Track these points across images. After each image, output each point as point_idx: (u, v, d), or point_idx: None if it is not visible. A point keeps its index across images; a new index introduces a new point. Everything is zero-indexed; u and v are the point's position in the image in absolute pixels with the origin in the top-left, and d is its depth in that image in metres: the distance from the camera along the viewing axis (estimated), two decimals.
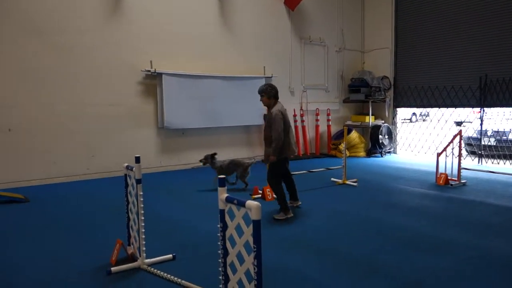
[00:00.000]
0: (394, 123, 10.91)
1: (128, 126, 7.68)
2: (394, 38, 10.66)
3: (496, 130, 9.36)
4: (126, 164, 3.67)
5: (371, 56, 11.27)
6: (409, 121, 21.38)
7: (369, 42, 11.29)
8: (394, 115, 10.94)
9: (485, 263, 3.62)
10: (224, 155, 8.72)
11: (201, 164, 6.77)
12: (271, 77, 9.35)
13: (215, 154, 6.59)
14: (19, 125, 6.64)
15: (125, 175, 3.71)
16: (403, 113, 11.14)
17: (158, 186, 6.71)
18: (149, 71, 7.68)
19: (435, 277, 3.35)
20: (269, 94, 5.06)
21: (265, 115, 5.38)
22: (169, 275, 3.33)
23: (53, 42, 6.85)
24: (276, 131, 4.88)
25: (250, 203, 2.10)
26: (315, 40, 10.33)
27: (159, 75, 7.79)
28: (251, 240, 2.19)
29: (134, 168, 3.45)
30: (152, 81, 7.86)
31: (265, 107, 5.34)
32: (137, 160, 3.42)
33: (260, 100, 5.20)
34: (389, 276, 3.36)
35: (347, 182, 6.87)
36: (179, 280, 3.24)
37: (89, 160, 7.31)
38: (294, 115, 9.84)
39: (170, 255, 3.73)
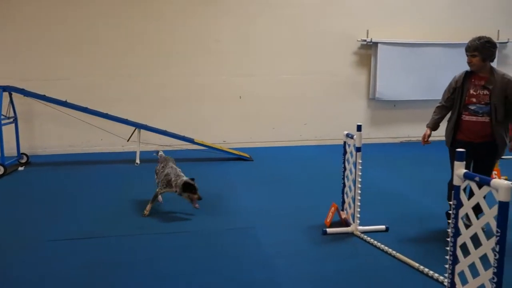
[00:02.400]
0: None
1: (340, 96, 7.83)
2: None
3: None
4: (346, 132, 3.76)
5: None
6: None
7: None
8: None
9: None
10: (439, 131, 8.04)
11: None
12: (507, 42, 7.97)
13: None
14: (248, 94, 7.56)
15: (344, 142, 3.82)
16: None
17: (368, 157, 6.68)
18: (365, 40, 7.58)
19: None
20: (486, 53, 3.35)
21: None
22: (382, 245, 3.32)
23: (281, 15, 7.43)
24: None
25: (497, 182, 1.87)
26: None
27: (375, 44, 7.59)
28: (492, 223, 1.96)
29: (354, 136, 3.50)
30: (367, 51, 7.73)
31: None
32: (359, 128, 3.46)
33: (470, 60, 3.41)
34: None
35: None
36: (393, 251, 3.19)
37: (302, 128, 7.81)
38: None
39: (383, 226, 3.70)
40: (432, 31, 7.80)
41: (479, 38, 3.36)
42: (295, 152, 7.25)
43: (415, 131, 8.00)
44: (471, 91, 3.41)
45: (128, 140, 6.66)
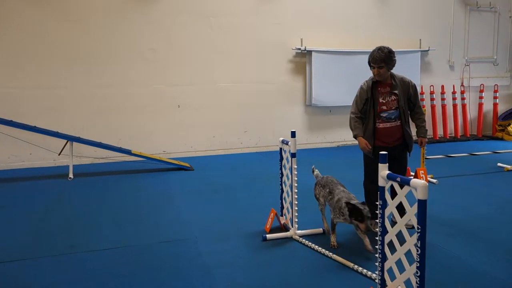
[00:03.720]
0: None
1: (278, 103, 7.99)
2: None
3: None
4: (281, 138, 3.83)
5: None
6: None
7: None
8: None
9: None
10: None
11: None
12: (428, 50, 8.59)
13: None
14: (187, 103, 7.47)
15: (280, 148, 3.89)
16: None
17: (306, 161, 6.86)
18: (299, 49, 7.81)
19: None
20: (391, 63, 3.59)
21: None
22: (320, 248, 3.41)
23: (217, 24, 7.45)
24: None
25: (416, 181, 1.99)
26: (484, 5, 9.05)
27: (309, 52, 7.85)
28: (413, 220, 2.09)
29: (289, 142, 3.58)
30: (302, 59, 7.97)
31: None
32: (293, 134, 3.54)
33: (378, 72, 3.58)
34: None
35: None
36: (330, 253, 3.29)
37: (242, 135, 7.86)
38: (453, 92, 8.91)
39: (321, 229, 3.81)
40: (361, 39, 8.20)
41: (380, 49, 3.53)
42: (236, 159, 7.27)
43: (351, 135, 8.29)
44: (381, 100, 3.61)
45: (59, 154, 6.31)
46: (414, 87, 3.72)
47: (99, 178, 6.05)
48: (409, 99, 3.68)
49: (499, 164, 6.27)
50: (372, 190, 3.60)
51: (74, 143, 6.18)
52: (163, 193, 5.22)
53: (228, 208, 4.59)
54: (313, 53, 7.81)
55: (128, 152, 6.42)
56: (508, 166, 6.08)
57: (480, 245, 3.48)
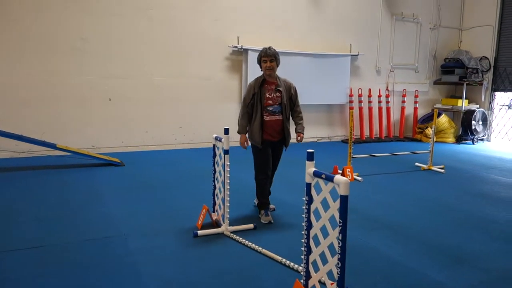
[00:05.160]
0: (490, 109, 10.03)
1: (214, 100, 7.99)
2: (499, 14, 9.67)
3: None
4: (215, 135, 3.85)
5: (469, 34, 10.36)
6: (507, 107, 19.42)
7: (469, 18, 10.37)
8: (491, 99, 10.05)
9: None
10: (306, 134, 8.73)
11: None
12: (357, 55, 9.07)
13: None
14: (119, 96, 7.22)
15: (214, 145, 3.91)
16: (502, 98, 10.19)
17: (239, 159, 6.94)
18: (236, 46, 7.86)
19: None
20: (278, 60, 4.08)
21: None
22: (250, 243, 3.49)
23: (154, 16, 7.26)
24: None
25: (338, 178, 2.12)
26: (408, 16, 9.74)
27: (245, 51, 7.94)
28: (336, 215, 2.22)
29: (222, 139, 3.61)
30: (239, 57, 8.04)
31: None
32: (226, 131, 3.57)
33: (270, 65, 4.01)
34: (480, 267, 3.19)
35: (433, 168, 6.53)
36: (259, 248, 3.38)
37: (177, 131, 7.76)
38: (379, 96, 9.49)
39: (251, 225, 3.89)
40: (296, 41, 8.46)
41: (270, 47, 4.05)
42: (169, 155, 7.17)
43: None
44: (267, 95, 4.04)
45: None
46: (295, 89, 4.23)
47: (20, 173, 5.66)
48: (290, 98, 4.17)
49: (416, 163, 6.80)
50: (266, 182, 4.15)
51: None
52: (91, 190, 5.01)
53: (159, 205, 4.52)
54: (249, 51, 7.90)
55: (52, 146, 6.07)
56: (424, 166, 6.62)
57: (398, 238, 3.76)
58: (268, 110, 4.06)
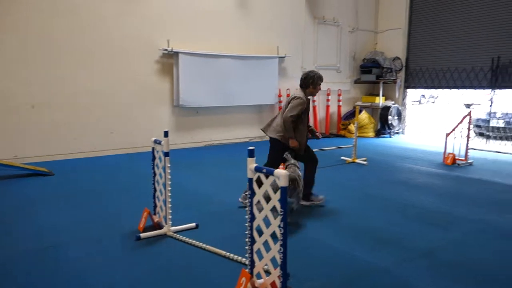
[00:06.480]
0: (403, 104, 11.02)
1: (146, 103, 7.90)
2: (408, 18, 10.68)
3: (505, 112, 9.46)
4: (154, 138, 3.90)
5: (384, 37, 11.31)
6: (418, 103, 21.36)
7: (383, 22, 11.31)
8: (404, 96, 11.05)
9: (490, 236, 3.85)
10: (237, 134, 8.97)
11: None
12: (284, 57, 9.48)
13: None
14: (42, 102, 6.87)
15: (153, 148, 3.95)
16: (413, 94, 11.26)
17: (176, 161, 6.96)
18: (166, 49, 7.85)
19: (444, 248, 3.59)
20: None
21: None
22: (193, 241, 3.60)
23: (74, 20, 7.01)
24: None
25: (278, 171, 2.33)
26: (329, 20, 10.39)
27: (176, 54, 7.95)
28: (277, 206, 2.43)
29: (162, 142, 3.68)
30: (169, 60, 8.03)
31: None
32: (166, 134, 3.65)
33: (320, 89, 4.85)
34: (402, 246, 3.61)
35: (357, 160, 7.08)
36: (203, 245, 3.51)
37: (109, 136, 7.56)
38: None
39: (194, 224, 3.99)
40: (225, 43, 8.64)
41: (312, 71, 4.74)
42: (103, 162, 6.98)
43: (217, 135, 8.73)
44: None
45: None
46: None
47: None
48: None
49: (342, 157, 7.33)
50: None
51: None
52: (21, 202, 4.76)
53: (97, 212, 4.45)
54: (179, 54, 7.93)
55: None
56: (349, 159, 7.16)
57: (330, 224, 4.09)
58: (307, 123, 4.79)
